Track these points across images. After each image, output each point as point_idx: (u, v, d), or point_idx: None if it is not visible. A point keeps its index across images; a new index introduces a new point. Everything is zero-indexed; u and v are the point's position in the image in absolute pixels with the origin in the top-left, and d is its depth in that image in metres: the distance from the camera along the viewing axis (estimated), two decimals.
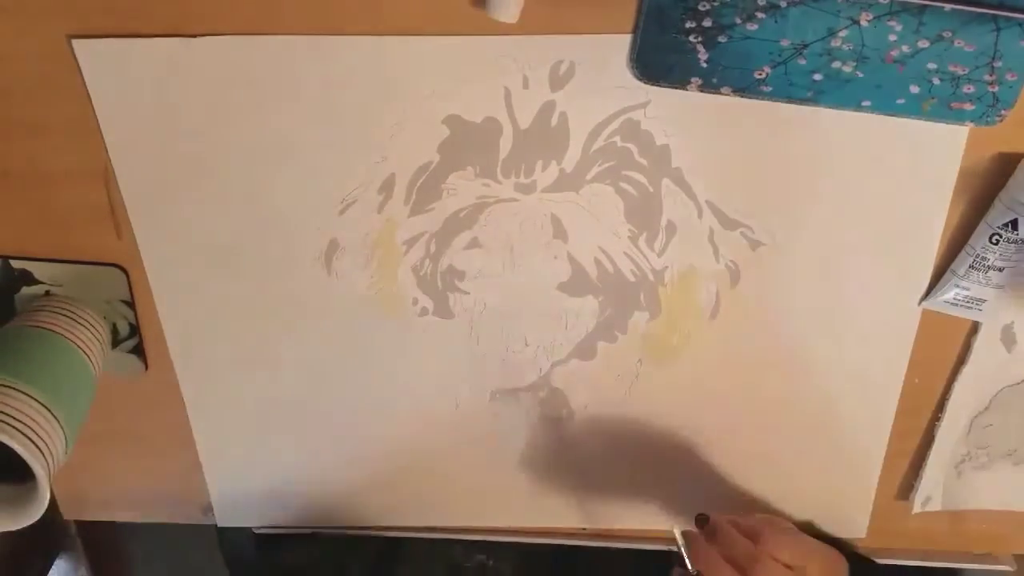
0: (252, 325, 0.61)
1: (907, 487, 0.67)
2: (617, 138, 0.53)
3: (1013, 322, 0.59)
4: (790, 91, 0.50)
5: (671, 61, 0.50)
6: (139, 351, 0.62)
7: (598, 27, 0.50)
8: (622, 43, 0.50)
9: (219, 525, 0.71)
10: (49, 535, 0.82)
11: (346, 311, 0.60)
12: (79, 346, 0.57)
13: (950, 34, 0.47)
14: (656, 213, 0.56)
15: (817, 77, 0.50)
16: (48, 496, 0.50)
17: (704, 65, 0.50)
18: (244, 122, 0.53)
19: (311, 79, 0.52)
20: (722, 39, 0.49)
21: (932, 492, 0.66)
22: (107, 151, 0.54)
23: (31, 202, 0.56)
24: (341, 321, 0.60)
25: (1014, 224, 0.52)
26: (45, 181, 0.56)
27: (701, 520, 0.55)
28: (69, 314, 0.58)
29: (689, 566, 0.53)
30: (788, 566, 0.51)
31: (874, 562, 0.60)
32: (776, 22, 0.48)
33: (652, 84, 0.51)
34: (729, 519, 0.54)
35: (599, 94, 0.52)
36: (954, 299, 0.57)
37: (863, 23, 0.48)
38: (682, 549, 0.54)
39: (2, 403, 0.50)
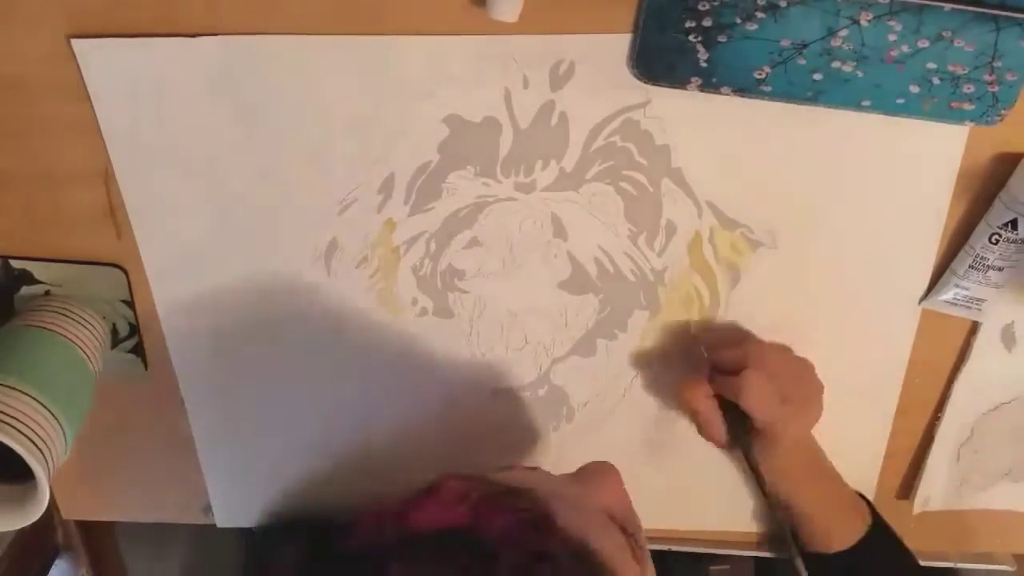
0: (252, 325, 0.61)
1: (907, 487, 0.67)
2: (617, 138, 0.53)
3: (1013, 322, 0.59)
4: (790, 91, 0.50)
5: (671, 61, 0.50)
6: (139, 351, 0.62)
7: (598, 27, 0.50)
8: (622, 43, 0.50)
9: (218, 525, 0.71)
10: (49, 535, 0.82)
11: (346, 311, 0.60)
12: (79, 346, 0.57)
13: (950, 34, 0.47)
14: (656, 213, 0.56)
15: (817, 77, 0.50)
16: (48, 496, 0.50)
17: (704, 65, 0.50)
18: (244, 122, 0.53)
19: (311, 79, 0.52)
20: (722, 39, 0.49)
21: (932, 492, 0.66)
22: (107, 151, 0.54)
23: (31, 202, 0.56)
24: (341, 321, 0.60)
25: (1014, 224, 0.52)
26: (45, 181, 0.56)
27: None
28: (69, 314, 0.58)
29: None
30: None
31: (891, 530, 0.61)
32: (776, 22, 0.48)
33: (652, 84, 0.51)
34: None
35: (599, 94, 0.52)
36: (954, 299, 0.57)
37: (863, 23, 0.48)
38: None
39: (2, 403, 0.50)
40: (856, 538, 0.58)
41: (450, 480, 0.41)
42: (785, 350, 0.58)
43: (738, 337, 0.59)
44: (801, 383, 0.56)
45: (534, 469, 0.49)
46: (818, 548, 0.59)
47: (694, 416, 0.58)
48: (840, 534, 0.58)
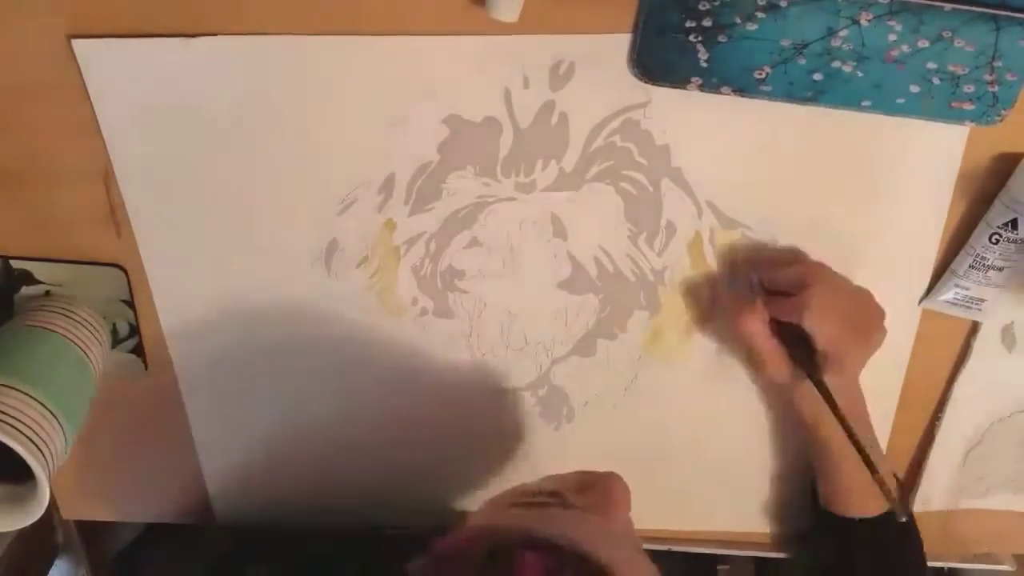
0: (252, 325, 0.61)
1: (907, 487, 0.67)
2: (617, 138, 0.53)
3: (1013, 322, 0.59)
4: (790, 91, 0.50)
5: (671, 61, 0.50)
6: (139, 351, 0.62)
7: (598, 27, 0.50)
8: (622, 43, 0.50)
9: (219, 525, 0.71)
10: (49, 535, 0.82)
11: (346, 311, 0.60)
12: (79, 346, 0.57)
13: (950, 34, 0.47)
14: (656, 213, 0.56)
15: (817, 77, 0.50)
16: (48, 496, 0.50)
17: (704, 65, 0.50)
18: (244, 122, 0.53)
19: (311, 79, 0.52)
20: (722, 39, 0.49)
21: (932, 492, 0.66)
22: (107, 151, 0.54)
23: (31, 202, 0.56)
24: (341, 321, 0.60)
25: (1014, 224, 0.52)
26: (45, 181, 0.56)
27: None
28: (69, 314, 0.58)
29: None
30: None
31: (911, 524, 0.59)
32: (776, 22, 0.48)
33: (652, 84, 0.51)
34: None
35: (599, 94, 0.52)
36: (954, 299, 0.57)
37: (863, 23, 0.48)
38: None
39: (2, 403, 0.50)
40: (877, 511, 0.56)
41: (527, 553, 0.38)
42: (843, 275, 0.54)
43: (791, 257, 0.55)
44: (862, 305, 0.53)
45: (563, 505, 0.46)
46: (834, 507, 0.57)
47: (750, 348, 0.53)
48: (863, 500, 0.55)
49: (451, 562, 0.39)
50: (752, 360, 0.54)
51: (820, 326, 0.50)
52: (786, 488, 0.66)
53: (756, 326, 0.52)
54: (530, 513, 0.44)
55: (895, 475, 0.61)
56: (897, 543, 0.58)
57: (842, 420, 0.51)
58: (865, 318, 0.53)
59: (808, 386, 0.53)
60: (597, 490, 0.45)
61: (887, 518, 0.56)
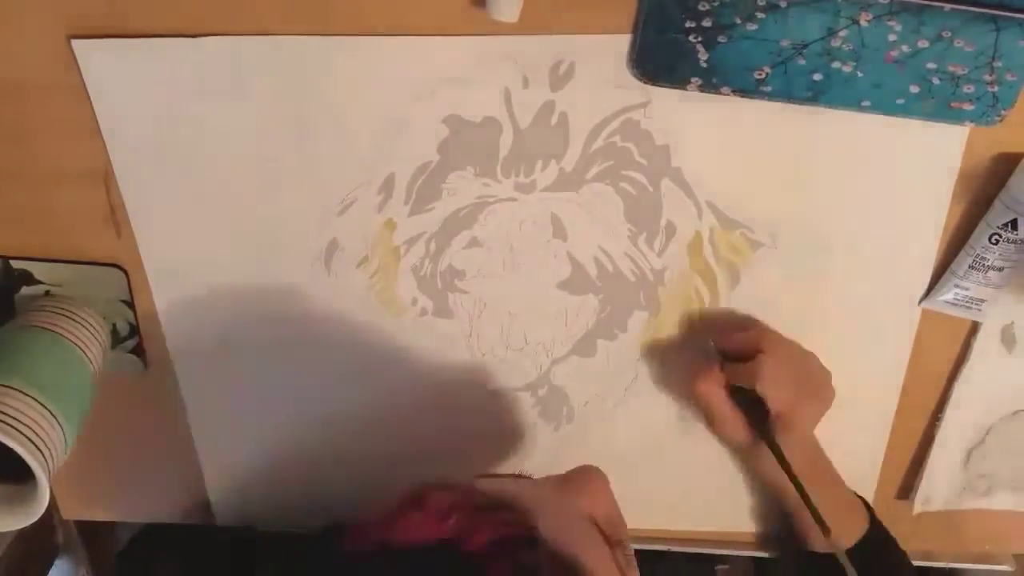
0: (251, 325, 0.61)
1: (907, 487, 0.67)
2: (617, 138, 0.53)
3: (1013, 322, 0.59)
4: (790, 91, 0.50)
5: (671, 61, 0.50)
6: (139, 351, 0.62)
7: (598, 27, 0.50)
8: (622, 43, 0.50)
9: (219, 525, 0.71)
10: (49, 535, 0.82)
11: (346, 311, 0.60)
12: (79, 346, 0.57)
13: (950, 34, 0.47)
14: (656, 213, 0.56)
15: (817, 77, 0.50)
16: (48, 496, 0.50)
17: (704, 65, 0.50)
18: (244, 122, 0.53)
19: (311, 79, 0.52)
20: (722, 39, 0.49)
21: (932, 492, 0.66)
22: (107, 151, 0.54)
23: (31, 202, 0.56)
24: (341, 321, 0.60)
25: (1014, 224, 0.52)
26: (45, 181, 0.56)
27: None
28: (69, 314, 0.58)
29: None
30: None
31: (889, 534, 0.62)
32: (776, 22, 0.48)
33: (652, 84, 0.51)
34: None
35: (599, 94, 0.52)
36: (954, 299, 0.57)
37: (863, 23, 0.48)
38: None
39: (2, 403, 0.50)
40: (854, 540, 0.58)
41: (434, 492, 0.40)
42: (792, 340, 0.58)
43: (745, 323, 0.59)
44: (811, 369, 0.57)
45: (520, 476, 0.48)
46: (816, 547, 0.59)
47: (707, 410, 0.57)
48: (839, 534, 0.58)
49: (383, 513, 0.41)
50: (710, 421, 0.58)
51: (772, 390, 0.54)
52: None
53: (713, 389, 0.57)
54: (480, 479, 0.45)
55: (859, 497, 0.62)
56: (883, 563, 0.60)
57: (793, 479, 0.55)
58: (814, 380, 0.57)
59: (764, 447, 0.56)
60: (575, 479, 0.46)
61: (865, 543, 0.58)
